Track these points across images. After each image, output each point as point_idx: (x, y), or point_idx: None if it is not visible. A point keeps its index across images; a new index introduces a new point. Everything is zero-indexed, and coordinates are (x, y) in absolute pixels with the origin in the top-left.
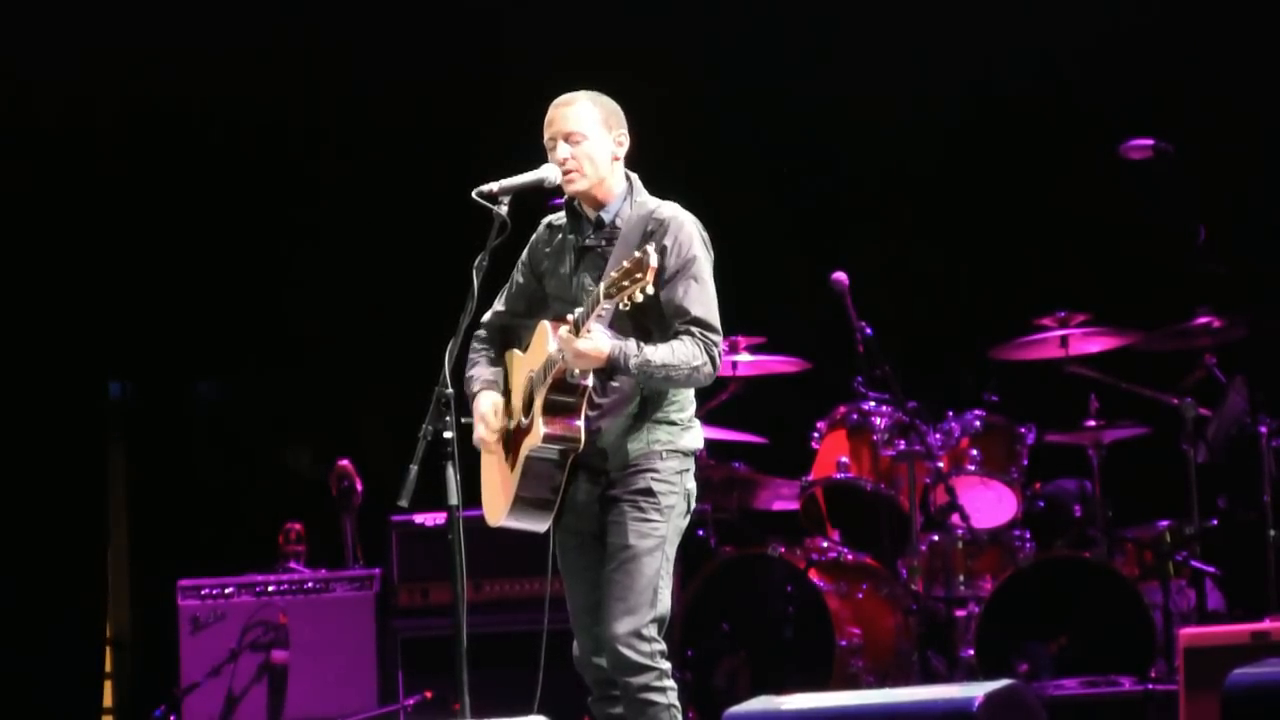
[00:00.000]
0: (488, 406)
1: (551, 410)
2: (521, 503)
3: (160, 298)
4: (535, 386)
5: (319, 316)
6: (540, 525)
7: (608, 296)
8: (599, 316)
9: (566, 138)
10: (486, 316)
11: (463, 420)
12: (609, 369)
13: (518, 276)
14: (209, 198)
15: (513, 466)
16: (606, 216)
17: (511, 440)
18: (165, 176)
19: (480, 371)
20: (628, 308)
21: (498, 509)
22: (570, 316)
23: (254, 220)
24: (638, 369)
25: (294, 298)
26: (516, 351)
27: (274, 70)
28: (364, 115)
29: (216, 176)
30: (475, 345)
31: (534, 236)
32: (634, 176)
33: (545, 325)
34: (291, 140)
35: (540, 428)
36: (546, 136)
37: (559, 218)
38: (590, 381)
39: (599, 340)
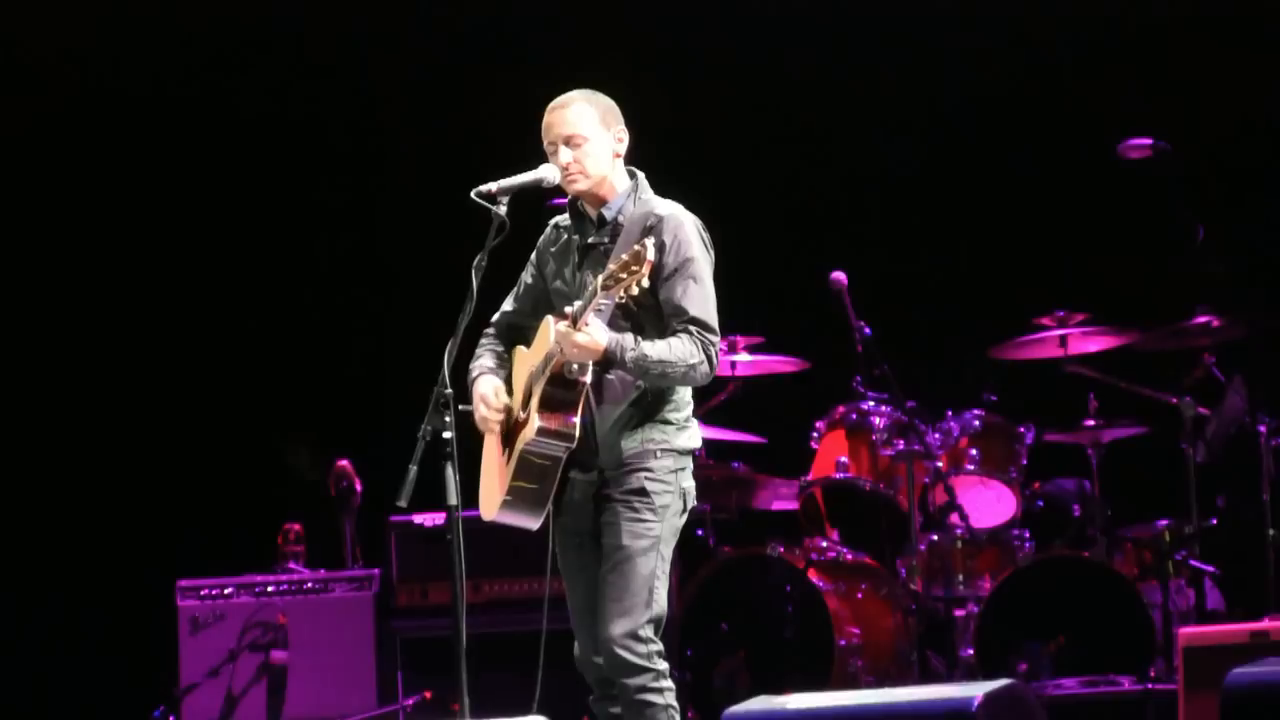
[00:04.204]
0: (487, 388)
1: (548, 404)
2: (515, 497)
3: (156, 299)
4: (534, 380)
5: (319, 316)
6: (533, 523)
7: (604, 289)
8: (597, 311)
9: (567, 141)
10: (495, 316)
11: (461, 408)
12: (605, 363)
13: (526, 277)
14: (207, 197)
15: (509, 461)
16: (609, 214)
17: (509, 435)
18: (167, 174)
19: (483, 361)
20: (624, 300)
21: (492, 503)
22: (568, 310)
23: (252, 219)
24: (634, 363)
25: (293, 297)
26: (521, 348)
27: (273, 68)
28: (364, 115)
29: (217, 175)
30: (482, 341)
31: (541, 237)
32: (640, 175)
33: (548, 320)
34: (292, 138)
35: (535, 421)
36: (546, 141)
37: (564, 218)
38: (589, 378)
39: (596, 333)
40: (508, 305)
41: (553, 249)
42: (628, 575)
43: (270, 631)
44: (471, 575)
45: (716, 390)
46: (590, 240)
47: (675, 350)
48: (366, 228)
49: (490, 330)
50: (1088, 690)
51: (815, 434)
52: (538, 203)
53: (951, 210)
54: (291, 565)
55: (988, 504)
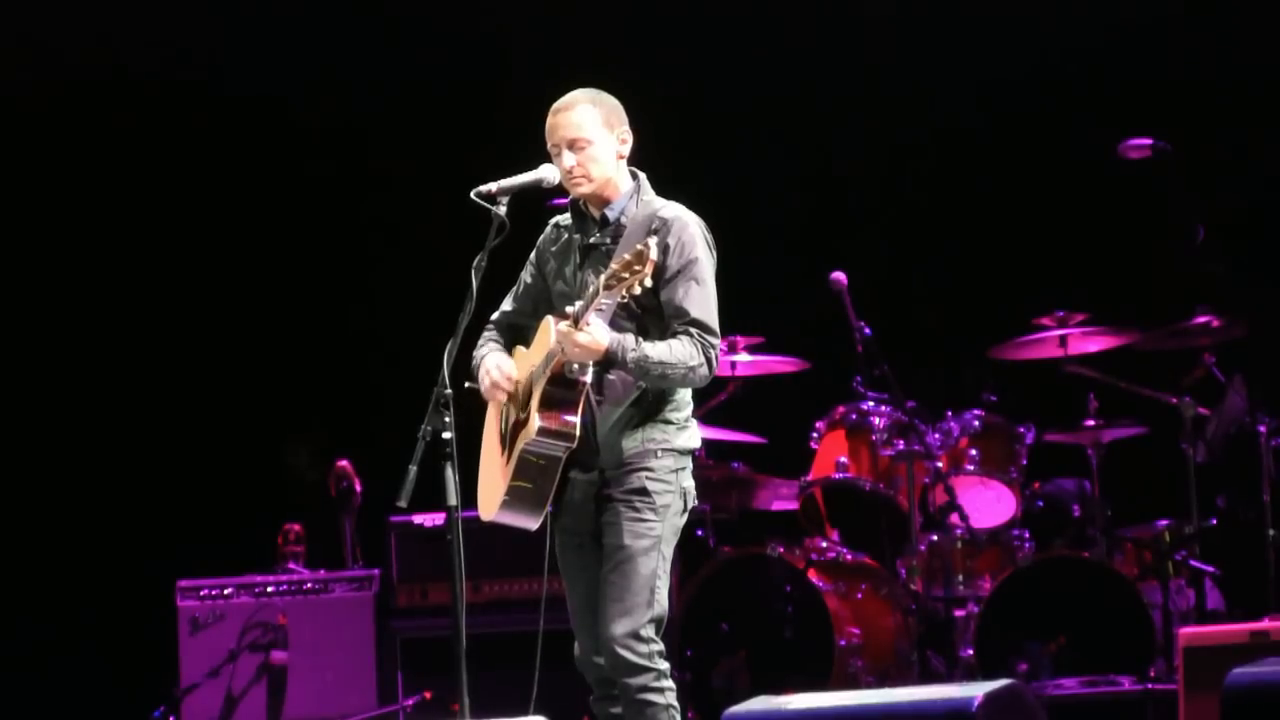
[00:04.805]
0: (497, 359)
1: (548, 404)
2: (515, 498)
3: (157, 300)
4: (534, 380)
5: (319, 316)
6: (532, 523)
7: (607, 289)
8: (599, 311)
9: (571, 145)
10: (495, 315)
11: (467, 385)
12: (606, 363)
13: (525, 276)
14: (207, 198)
15: (509, 460)
16: (611, 214)
17: (509, 434)
18: (168, 175)
19: (489, 346)
20: (626, 299)
21: (491, 504)
22: (570, 309)
23: (251, 220)
24: (635, 364)
25: (294, 297)
26: (521, 348)
27: (273, 67)
28: (363, 115)
29: (217, 176)
30: (484, 334)
31: (541, 237)
32: (642, 175)
33: (549, 320)
34: (291, 139)
35: (536, 421)
36: (550, 144)
37: (565, 218)
38: (589, 378)
39: (597, 333)
40: (507, 305)
41: (553, 248)
42: (629, 575)
43: (270, 632)
44: (471, 575)
45: (716, 390)
46: (592, 240)
47: (676, 352)
48: (366, 228)
49: (490, 328)
50: (1088, 690)
51: (815, 434)
52: (538, 203)
53: (952, 210)
54: (291, 565)
55: (988, 504)
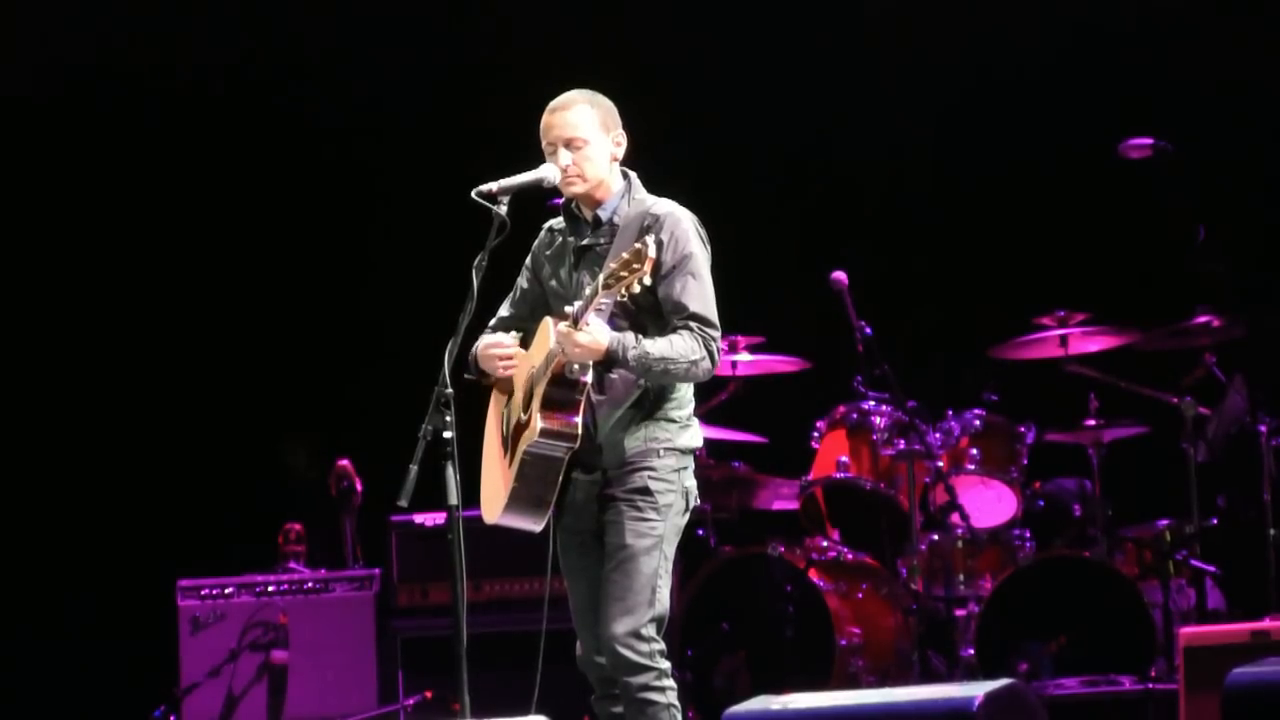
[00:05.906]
0: (484, 342)
1: (550, 405)
2: (517, 500)
3: (157, 300)
4: (535, 381)
5: (319, 316)
6: (536, 525)
7: (606, 288)
8: (598, 310)
9: (567, 144)
10: (492, 321)
11: (466, 377)
12: (607, 362)
13: (521, 281)
14: (206, 198)
15: (511, 463)
16: (604, 215)
17: (511, 437)
18: (167, 175)
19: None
20: (625, 298)
21: (494, 506)
22: (569, 309)
23: (251, 219)
24: (636, 361)
25: (294, 297)
26: (520, 350)
27: (272, 67)
28: (363, 114)
29: (216, 175)
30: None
31: (536, 241)
32: (632, 175)
33: (547, 321)
34: (290, 138)
35: (538, 422)
36: (545, 142)
37: (558, 221)
38: (589, 378)
39: (597, 333)
40: (504, 310)
41: (547, 252)
42: (631, 574)
43: (271, 631)
44: (472, 575)
45: (717, 390)
46: (586, 241)
47: (677, 347)
48: (366, 227)
49: (488, 332)
50: (1088, 690)
51: (816, 433)
52: (538, 203)
53: (952, 210)
54: (292, 565)
55: (988, 504)
